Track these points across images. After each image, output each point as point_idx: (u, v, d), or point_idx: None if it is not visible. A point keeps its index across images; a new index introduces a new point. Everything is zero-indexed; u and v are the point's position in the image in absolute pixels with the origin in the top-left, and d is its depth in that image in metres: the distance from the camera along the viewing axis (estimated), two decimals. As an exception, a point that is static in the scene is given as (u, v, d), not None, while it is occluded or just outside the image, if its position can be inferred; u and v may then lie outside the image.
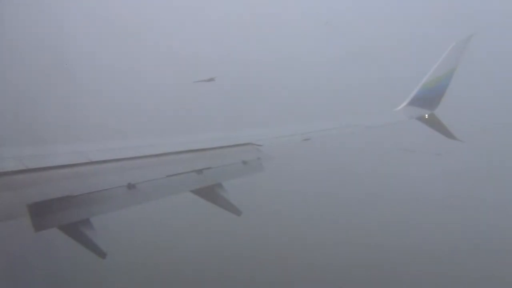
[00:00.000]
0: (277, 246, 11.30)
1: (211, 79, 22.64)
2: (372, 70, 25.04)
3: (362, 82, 24.46)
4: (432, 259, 11.41)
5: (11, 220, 3.89)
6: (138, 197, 4.79)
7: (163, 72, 22.80)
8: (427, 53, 14.34)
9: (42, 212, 4.04)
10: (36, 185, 4.28)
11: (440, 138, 10.78)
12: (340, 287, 10.45)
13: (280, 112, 19.70)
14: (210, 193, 5.56)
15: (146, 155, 5.47)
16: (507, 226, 13.06)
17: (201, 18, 27.50)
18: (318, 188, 14.62)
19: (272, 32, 27.17)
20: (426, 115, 10.58)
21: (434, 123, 10.72)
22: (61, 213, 4.18)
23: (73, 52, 18.99)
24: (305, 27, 28.48)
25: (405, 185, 15.68)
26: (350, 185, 15.24)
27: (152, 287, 9.79)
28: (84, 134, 13.30)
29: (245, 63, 24.99)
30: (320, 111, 20.32)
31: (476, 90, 21.88)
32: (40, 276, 9.03)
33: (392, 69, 24.43)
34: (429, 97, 10.64)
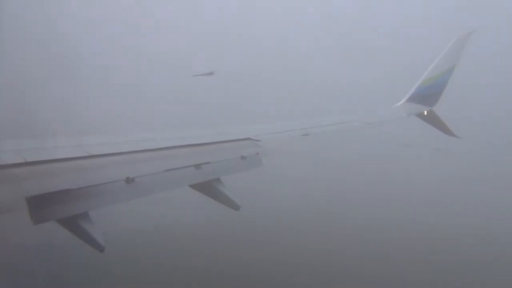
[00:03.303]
0: (275, 240, 11.33)
1: (210, 73, 22.63)
2: (371, 66, 25.02)
3: (362, 78, 24.46)
4: (430, 254, 11.45)
5: (10, 213, 3.89)
6: (137, 191, 4.80)
7: (162, 66, 22.77)
8: (427, 49, 14.34)
9: (41, 205, 4.04)
10: (35, 178, 4.28)
11: (439, 134, 10.80)
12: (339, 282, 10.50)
13: (279, 108, 19.69)
14: (209, 188, 5.57)
15: (145, 149, 5.47)
16: (506, 222, 13.11)
17: (200, 13, 27.43)
18: (317, 183, 14.64)
19: (272, 28, 27.11)
20: (425, 111, 10.58)
21: (433, 120, 10.72)
22: (60, 206, 4.18)
23: (73, 46, 18.93)
24: (305, 22, 28.42)
25: (404, 181, 15.71)
26: (348, 180, 15.27)
27: (150, 281, 9.82)
28: (83, 128, 13.29)
29: (245, 57, 24.96)
30: (319, 107, 20.32)
31: (475, 87, 21.89)
32: (38, 269, 9.05)
33: (391, 65, 24.42)
34: (428, 94, 10.64)
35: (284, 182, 13.92)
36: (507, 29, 25.08)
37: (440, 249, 11.75)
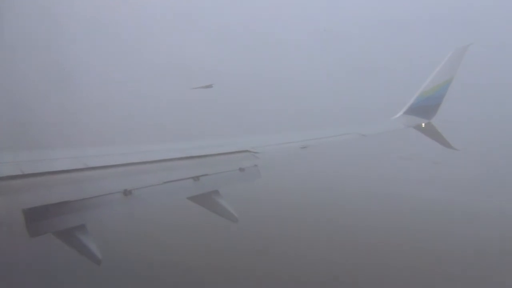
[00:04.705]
0: (274, 253, 11.27)
1: (208, 86, 22.71)
2: (370, 78, 25.17)
3: (360, 90, 24.58)
4: (428, 267, 11.39)
5: (6, 225, 3.86)
6: (134, 204, 4.77)
7: (161, 79, 22.85)
8: (425, 62, 14.43)
9: (38, 218, 4.01)
10: (32, 190, 4.25)
11: (437, 147, 10.81)
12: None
13: (278, 120, 19.73)
14: (207, 200, 5.54)
15: (143, 161, 5.45)
16: (503, 235, 13.07)
17: (200, 25, 27.62)
18: (315, 196, 14.60)
19: (271, 40, 27.30)
20: (423, 124, 10.60)
21: (431, 132, 10.74)
22: (57, 218, 4.15)
23: (72, 58, 18.99)
24: (304, 34, 28.64)
25: (402, 194, 15.68)
26: (347, 193, 15.23)
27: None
28: (81, 139, 13.27)
29: (243, 70, 25.09)
30: (317, 119, 20.37)
31: (473, 99, 22.00)
32: (33, 282, 8.96)
33: (389, 77, 24.56)
34: (426, 106, 10.68)
35: (282, 194, 13.88)
36: (506, 42, 25.32)
37: (438, 263, 11.69)
